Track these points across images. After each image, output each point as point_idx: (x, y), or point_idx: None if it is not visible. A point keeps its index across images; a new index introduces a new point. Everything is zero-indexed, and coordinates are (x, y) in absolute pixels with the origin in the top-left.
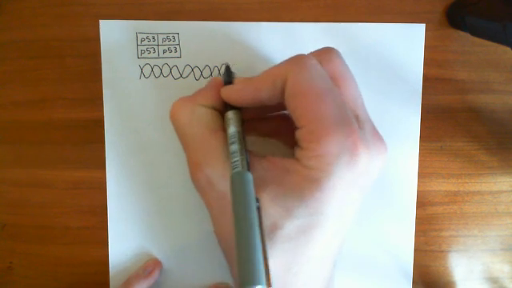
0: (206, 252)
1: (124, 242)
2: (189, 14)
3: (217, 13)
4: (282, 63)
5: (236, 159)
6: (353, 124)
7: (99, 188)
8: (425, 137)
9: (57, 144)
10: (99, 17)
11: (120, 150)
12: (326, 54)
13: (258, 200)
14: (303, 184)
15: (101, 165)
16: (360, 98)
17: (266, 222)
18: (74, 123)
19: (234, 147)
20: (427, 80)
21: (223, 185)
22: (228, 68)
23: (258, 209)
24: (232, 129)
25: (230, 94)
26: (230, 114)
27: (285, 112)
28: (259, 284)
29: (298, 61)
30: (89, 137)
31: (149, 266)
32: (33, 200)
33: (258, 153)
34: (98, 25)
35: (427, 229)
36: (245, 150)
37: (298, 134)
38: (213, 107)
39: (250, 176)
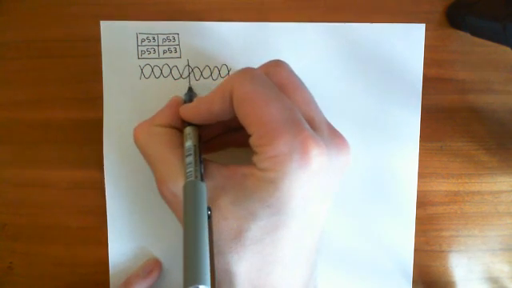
0: None
1: (124, 242)
2: (189, 14)
3: (217, 13)
4: (228, 77)
5: (190, 170)
6: (301, 124)
7: (99, 188)
8: (425, 137)
9: (57, 144)
10: (99, 17)
11: (119, 150)
12: (272, 66)
13: (209, 209)
14: (261, 185)
15: (100, 165)
16: (312, 101)
17: (232, 226)
18: (74, 123)
19: (189, 159)
20: (427, 80)
21: None
22: (190, 88)
23: (209, 217)
24: (188, 142)
25: (187, 112)
26: (188, 130)
27: None
28: (202, 283)
29: (242, 73)
30: (89, 137)
31: (148, 266)
32: (33, 200)
33: (219, 162)
34: (99, 25)
35: (427, 229)
36: (200, 162)
37: (251, 140)
38: (171, 126)
39: (202, 185)
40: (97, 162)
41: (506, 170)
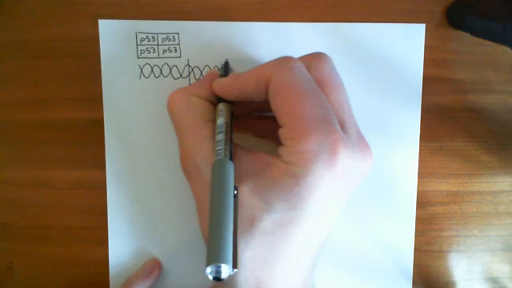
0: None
1: (124, 242)
2: (189, 14)
3: (217, 13)
4: (267, 63)
5: (219, 148)
6: (334, 125)
7: (99, 188)
8: (425, 137)
9: (57, 144)
10: (99, 17)
11: (120, 150)
12: (314, 59)
13: (236, 188)
14: (282, 178)
15: (101, 165)
16: (347, 104)
17: (246, 213)
18: (74, 123)
19: (220, 137)
20: (427, 80)
21: (209, 173)
22: (227, 63)
23: (235, 196)
24: (220, 120)
25: (219, 87)
26: (221, 106)
27: None
28: (224, 262)
29: (282, 62)
30: (89, 137)
31: (149, 267)
32: (33, 200)
33: (247, 147)
34: (98, 25)
35: (427, 229)
36: (230, 140)
37: (281, 131)
38: (207, 99)
39: (230, 164)
40: (97, 162)
41: (506, 169)
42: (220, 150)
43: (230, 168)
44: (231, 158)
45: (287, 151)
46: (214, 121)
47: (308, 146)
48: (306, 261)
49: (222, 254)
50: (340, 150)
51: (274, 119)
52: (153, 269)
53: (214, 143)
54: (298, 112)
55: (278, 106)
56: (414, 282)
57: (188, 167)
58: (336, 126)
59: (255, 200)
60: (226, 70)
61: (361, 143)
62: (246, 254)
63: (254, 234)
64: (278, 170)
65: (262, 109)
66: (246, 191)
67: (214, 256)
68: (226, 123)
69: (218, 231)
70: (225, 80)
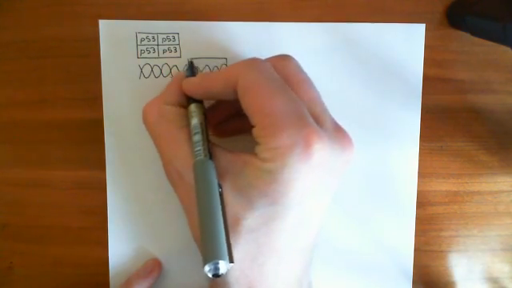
0: None
1: (124, 242)
2: (189, 14)
3: (217, 13)
4: (235, 64)
5: (198, 148)
6: (305, 118)
7: (99, 188)
8: (425, 137)
9: (57, 144)
10: (99, 17)
11: (120, 150)
12: (280, 60)
13: (220, 186)
14: (260, 175)
15: (101, 165)
16: (319, 98)
17: (230, 213)
18: (74, 123)
19: (197, 137)
20: (427, 80)
21: (191, 177)
22: (191, 63)
23: (220, 194)
24: (194, 120)
25: (189, 86)
26: (193, 107)
27: None
28: (221, 258)
29: (249, 62)
30: (89, 137)
31: (148, 266)
32: (33, 200)
33: (223, 147)
34: (98, 24)
35: (427, 229)
36: (207, 140)
37: (254, 130)
38: (178, 104)
39: (211, 163)
40: (97, 162)
41: (506, 169)
42: (199, 150)
43: (211, 167)
44: (211, 158)
45: (262, 148)
46: (187, 126)
47: (281, 142)
48: (297, 257)
49: (218, 251)
50: (314, 141)
51: None
52: (153, 268)
53: (191, 147)
54: (268, 109)
55: (248, 105)
56: (414, 282)
57: (171, 175)
58: (308, 119)
59: (237, 199)
60: (191, 70)
61: (339, 134)
62: (234, 254)
63: (240, 232)
64: (254, 167)
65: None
66: (227, 190)
67: (210, 254)
68: (201, 123)
69: (209, 229)
70: (193, 79)
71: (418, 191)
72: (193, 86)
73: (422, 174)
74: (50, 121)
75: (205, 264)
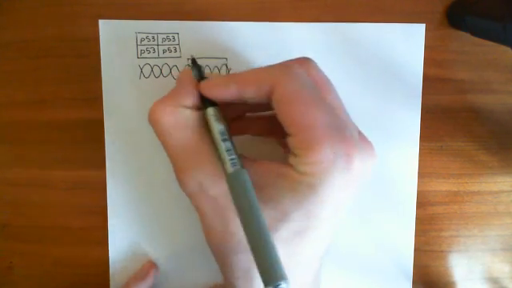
0: (206, 252)
1: (124, 242)
2: (189, 14)
3: (217, 13)
4: (269, 68)
5: (233, 157)
6: (345, 130)
7: (99, 188)
8: (425, 137)
9: (57, 144)
10: (99, 17)
11: (120, 150)
12: (305, 64)
13: None
14: (298, 188)
15: (101, 165)
16: (343, 104)
17: None
18: (74, 123)
19: (227, 145)
20: (427, 80)
21: (216, 188)
22: (194, 61)
23: None
24: (220, 126)
25: (212, 89)
26: (213, 111)
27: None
28: (283, 279)
29: (287, 70)
30: (89, 137)
31: (145, 269)
32: (33, 200)
33: (248, 156)
34: (98, 25)
35: (427, 229)
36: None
37: (291, 141)
38: (195, 107)
39: (247, 174)
40: (97, 162)
41: (506, 169)
42: (233, 159)
43: (248, 178)
44: (243, 167)
45: (300, 161)
46: (206, 130)
47: (323, 156)
48: (317, 262)
49: (279, 272)
50: (354, 155)
51: (269, 118)
52: (149, 270)
53: (213, 156)
54: (310, 121)
55: (286, 115)
56: (414, 282)
57: (189, 186)
58: (346, 131)
59: (270, 212)
60: (198, 69)
61: (365, 142)
62: None
63: None
64: (292, 180)
65: (254, 109)
66: (260, 203)
67: (270, 276)
68: (227, 129)
69: (264, 250)
70: (218, 80)
71: (418, 191)
72: (217, 88)
73: (422, 174)
74: (49, 121)
75: (266, 286)
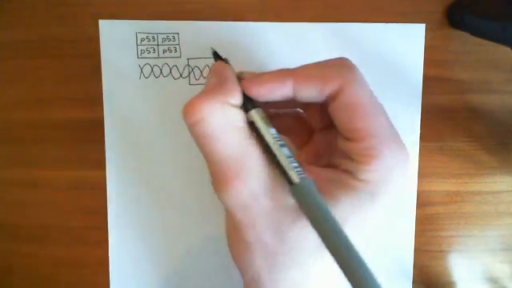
0: (206, 252)
1: (124, 242)
2: (189, 14)
3: (217, 13)
4: (333, 67)
5: (296, 165)
6: (399, 135)
7: (99, 188)
8: (425, 137)
9: (57, 144)
10: (99, 17)
11: (120, 150)
12: (345, 67)
13: None
14: (357, 196)
15: (101, 165)
16: None
17: (314, 235)
18: (74, 123)
19: (286, 151)
20: (427, 80)
21: (269, 196)
22: (216, 53)
23: None
24: (272, 129)
25: (263, 86)
26: (260, 112)
27: (298, 110)
28: None
29: (353, 70)
30: (89, 137)
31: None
32: (33, 200)
33: None
34: (98, 25)
35: (427, 229)
36: None
37: (352, 147)
38: (240, 105)
39: (314, 185)
40: (97, 162)
41: (506, 169)
42: (297, 167)
43: (316, 189)
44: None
45: (362, 168)
46: (253, 134)
47: (385, 163)
48: None
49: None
50: (409, 160)
51: (293, 116)
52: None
53: (264, 161)
54: (376, 129)
55: (351, 119)
56: (414, 282)
57: (238, 196)
58: (399, 136)
59: None
60: (226, 63)
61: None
62: (318, 280)
63: (324, 256)
64: (350, 187)
65: (279, 106)
66: None
67: None
68: (278, 133)
69: (356, 266)
70: (269, 76)
71: (418, 191)
72: (271, 84)
73: (422, 174)
74: (49, 121)
75: None
